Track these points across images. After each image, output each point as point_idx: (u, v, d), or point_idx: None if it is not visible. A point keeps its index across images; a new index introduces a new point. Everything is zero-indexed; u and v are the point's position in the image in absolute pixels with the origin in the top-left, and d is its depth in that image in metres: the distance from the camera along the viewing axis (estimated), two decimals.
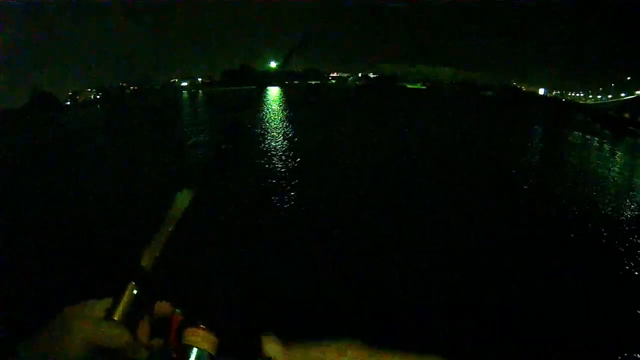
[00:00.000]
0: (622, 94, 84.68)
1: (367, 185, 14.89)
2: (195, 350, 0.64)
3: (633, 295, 7.98)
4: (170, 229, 0.69)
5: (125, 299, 0.65)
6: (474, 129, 36.36)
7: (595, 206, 14.24)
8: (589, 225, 12.07)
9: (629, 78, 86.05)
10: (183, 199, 0.71)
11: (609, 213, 13.57)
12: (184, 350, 0.65)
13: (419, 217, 11.58)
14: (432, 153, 22.35)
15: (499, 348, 5.89)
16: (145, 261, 0.67)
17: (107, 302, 0.65)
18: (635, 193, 17.64)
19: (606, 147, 36.62)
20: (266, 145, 21.78)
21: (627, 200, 15.76)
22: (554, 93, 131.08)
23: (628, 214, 13.71)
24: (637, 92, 74.21)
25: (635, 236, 11.23)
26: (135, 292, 0.66)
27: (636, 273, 9.03)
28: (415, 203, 12.95)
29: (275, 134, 26.72)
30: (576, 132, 42.84)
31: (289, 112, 44.11)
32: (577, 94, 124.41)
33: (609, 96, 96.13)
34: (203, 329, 0.66)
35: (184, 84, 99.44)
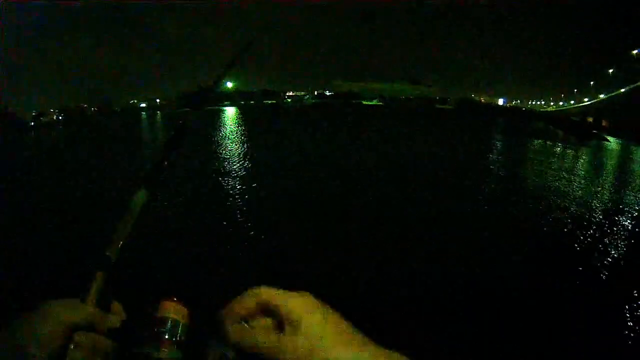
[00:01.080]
0: (586, 99, 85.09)
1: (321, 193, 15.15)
2: (169, 321, 0.66)
3: (595, 295, 8.01)
4: (131, 223, 0.74)
5: (95, 288, 0.68)
6: (432, 141, 36.14)
7: (559, 210, 14.43)
8: (550, 229, 12.20)
9: (592, 83, 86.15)
10: (140, 196, 0.76)
11: (572, 216, 13.78)
12: (159, 322, 0.66)
13: (376, 223, 11.67)
14: (388, 166, 21.93)
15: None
16: (111, 252, 0.71)
17: (77, 295, 0.68)
18: (600, 195, 17.88)
19: (569, 152, 35.99)
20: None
21: (591, 203, 15.91)
22: (513, 103, 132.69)
23: (593, 216, 13.92)
24: (601, 96, 74.24)
25: (599, 238, 11.56)
26: (103, 280, 0.69)
27: (604, 275, 9.11)
28: (372, 209, 13.07)
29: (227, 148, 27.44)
30: (537, 140, 42.39)
31: (242, 130, 44.52)
32: (538, 102, 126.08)
33: (572, 102, 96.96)
34: (176, 301, 0.68)
35: (143, 105, 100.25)
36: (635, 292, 8.11)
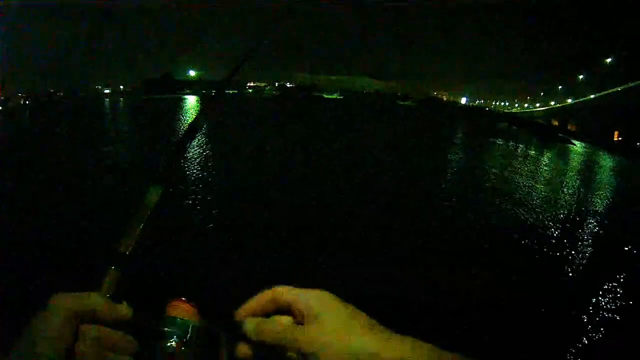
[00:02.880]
0: (552, 102, 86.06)
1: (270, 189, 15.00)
2: (178, 320, 0.68)
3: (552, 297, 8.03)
4: (145, 219, 0.75)
5: (107, 283, 0.70)
6: (389, 137, 36.23)
7: (520, 209, 14.76)
8: (509, 229, 12.33)
9: (560, 87, 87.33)
10: (153, 192, 0.77)
11: (533, 217, 13.99)
12: (168, 322, 0.68)
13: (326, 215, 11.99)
14: (343, 161, 22.00)
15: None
16: (123, 248, 0.72)
17: (89, 289, 0.69)
18: (560, 196, 18.33)
19: (532, 153, 36.79)
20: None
21: (552, 203, 16.41)
22: (477, 102, 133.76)
23: (553, 216, 14.27)
24: (569, 100, 75.06)
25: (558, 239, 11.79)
26: (116, 275, 0.71)
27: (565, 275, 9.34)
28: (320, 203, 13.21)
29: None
30: (499, 140, 42.67)
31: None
32: (502, 103, 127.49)
33: (537, 105, 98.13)
34: (184, 301, 0.70)
35: (107, 91, 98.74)
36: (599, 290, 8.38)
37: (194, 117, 0.87)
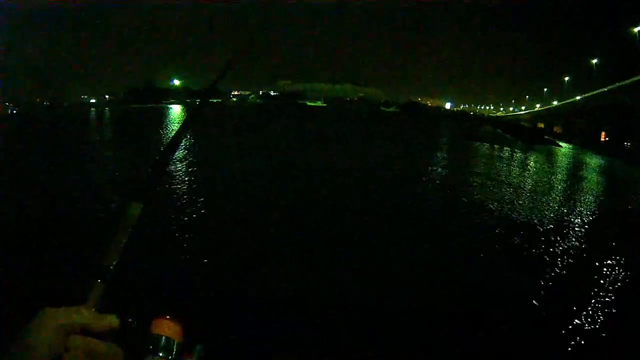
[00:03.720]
0: (538, 105, 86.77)
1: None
2: (163, 339, 0.68)
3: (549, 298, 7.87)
4: (127, 233, 0.77)
5: (93, 296, 0.71)
6: (373, 142, 36.33)
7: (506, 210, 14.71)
8: (496, 229, 12.26)
9: (545, 90, 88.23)
10: (134, 207, 0.80)
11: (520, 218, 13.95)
12: (152, 340, 0.69)
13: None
14: (328, 166, 21.86)
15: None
16: (108, 261, 0.74)
17: (76, 303, 0.70)
18: (546, 198, 18.15)
19: (517, 155, 36.53)
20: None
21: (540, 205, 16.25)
22: (461, 107, 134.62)
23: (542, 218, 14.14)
24: (554, 103, 75.65)
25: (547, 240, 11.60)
26: (102, 288, 0.72)
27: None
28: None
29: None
30: (484, 144, 42.58)
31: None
32: (487, 107, 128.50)
33: (523, 108, 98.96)
34: (169, 319, 0.70)
35: (92, 100, 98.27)
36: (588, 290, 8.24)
37: (175, 132, 0.90)
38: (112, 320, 0.69)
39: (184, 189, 15.02)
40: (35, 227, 10.80)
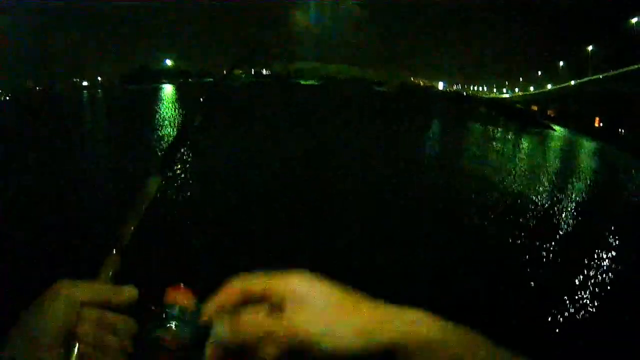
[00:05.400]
0: (531, 88, 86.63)
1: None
2: (177, 308, 0.68)
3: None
4: (144, 207, 0.79)
5: (107, 269, 0.72)
6: (367, 122, 36.57)
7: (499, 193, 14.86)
8: (488, 212, 12.36)
9: (539, 73, 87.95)
10: (152, 184, 0.82)
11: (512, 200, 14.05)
12: (166, 310, 0.68)
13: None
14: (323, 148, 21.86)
15: None
16: (124, 235, 0.75)
17: (90, 278, 0.71)
18: (538, 181, 18.18)
19: (510, 137, 37.69)
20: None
21: (531, 188, 16.44)
22: (454, 87, 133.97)
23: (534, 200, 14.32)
24: (549, 87, 75.62)
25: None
26: (116, 261, 0.73)
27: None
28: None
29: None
30: (477, 125, 43.55)
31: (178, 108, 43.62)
32: (481, 88, 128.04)
33: (516, 90, 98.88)
34: (183, 288, 0.70)
35: (85, 84, 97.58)
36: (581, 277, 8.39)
37: (190, 114, 0.93)
38: (127, 293, 0.69)
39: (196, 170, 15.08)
40: (54, 202, 11.39)
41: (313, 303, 0.54)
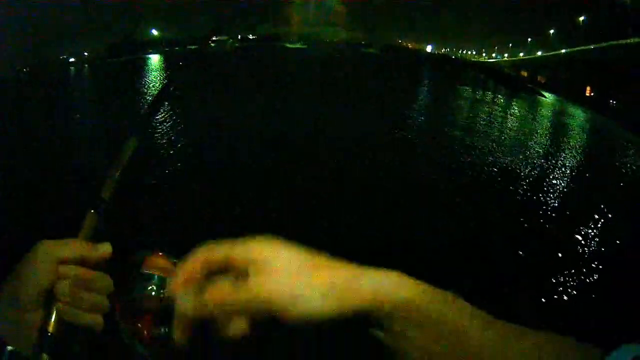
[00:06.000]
0: (521, 54, 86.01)
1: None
2: (155, 276, 0.66)
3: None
4: (122, 167, 0.81)
5: (87, 226, 0.72)
6: (357, 83, 35.48)
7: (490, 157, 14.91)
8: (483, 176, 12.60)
9: (529, 39, 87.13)
10: (130, 143, 0.84)
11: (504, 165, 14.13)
12: (144, 276, 0.67)
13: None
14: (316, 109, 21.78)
15: None
16: (103, 193, 0.76)
17: (69, 236, 0.72)
18: (527, 145, 18.35)
19: (500, 101, 37.10)
20: None
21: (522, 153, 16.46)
22: (443, 50, 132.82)
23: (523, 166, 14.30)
24: (539, 53, 75.11)
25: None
26: (96, 219, 0.73)
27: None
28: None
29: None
30: (466, 87, 43.19)
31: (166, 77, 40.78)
32: (469, 52, 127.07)
33: (506, 55, 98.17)
34: (162, 256, 0.69)
35: (72, 59, 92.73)
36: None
37: (167, 78, 1.06)
38: (104, 250, 0.69)
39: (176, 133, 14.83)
40: (33, 162, 11.31)
41: (277, 268, 0.51)
